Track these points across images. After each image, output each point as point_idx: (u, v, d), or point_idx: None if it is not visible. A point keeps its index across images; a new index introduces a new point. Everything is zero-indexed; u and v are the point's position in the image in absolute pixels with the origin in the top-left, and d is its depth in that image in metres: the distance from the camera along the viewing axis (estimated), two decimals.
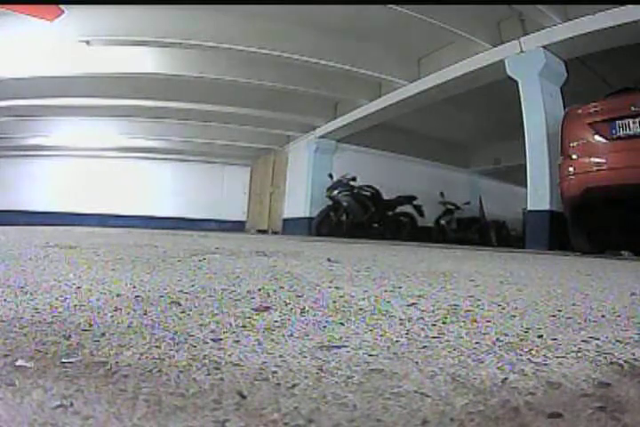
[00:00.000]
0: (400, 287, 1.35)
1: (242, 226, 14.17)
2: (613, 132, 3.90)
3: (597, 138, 4.05)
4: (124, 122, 11.04)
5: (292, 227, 11.42)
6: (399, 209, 10.19)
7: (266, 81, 8.09)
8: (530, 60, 5.69)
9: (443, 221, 10.54)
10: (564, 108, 5.43)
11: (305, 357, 0.63)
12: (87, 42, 6.62)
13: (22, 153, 13.03)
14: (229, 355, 0.62)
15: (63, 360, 0.57)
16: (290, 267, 1.84)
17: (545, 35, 5.52)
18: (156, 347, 0.65)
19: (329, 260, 2.23)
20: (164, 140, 12.26)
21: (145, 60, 7.45)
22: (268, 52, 6.81)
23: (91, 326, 0.75)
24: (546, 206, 5.32)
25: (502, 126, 9.13)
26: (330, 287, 1.30)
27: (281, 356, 0.63)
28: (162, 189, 13.92)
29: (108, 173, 13.48)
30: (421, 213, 10.09)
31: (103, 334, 0.70)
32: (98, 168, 13.51)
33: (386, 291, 1.27)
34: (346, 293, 1.21)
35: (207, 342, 0.68)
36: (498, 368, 0.60)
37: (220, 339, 0.70)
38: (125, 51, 7.19)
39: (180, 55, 7.40)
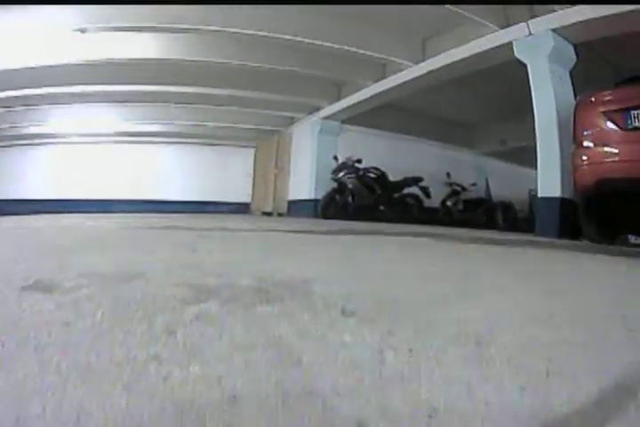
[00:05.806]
0: None
1: (247, 208, 14.16)
2: (629, 122, 3.81)
3: (611, 127, 3.96)
4: (128, 107, 10.92)
5: (297, 209, 11.38)
6: (405, 191, 10.12)
7: (270, 63, 7.95)
8: (538, 42, 5.54)
9: (449, 203, 10.49)
10: (574, 92, 5.33)
11: None
12: (83, 30, 6.48)
13: (26, 142, 12.95)
14: None
15: None
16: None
17: (554, 18, 5.35)
18: None
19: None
20: (167, 124, 12.16)
21: (150, 46, 7.34)
22: (273, 34, 6.66)
23: None
24: (557, 193, 5.25)
25: (509, 107, 9.00)
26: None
27: None
28: (167, 173, 13.86)
29: (113, 159, 13.44)
30: (428, 195, 10.02)
31: None
32: (102, 154, 13.46)
33: None
34: None
35: None
36: None
37: None
38: (129, 36, 7.07)
39: (185, 40, 7.27)
